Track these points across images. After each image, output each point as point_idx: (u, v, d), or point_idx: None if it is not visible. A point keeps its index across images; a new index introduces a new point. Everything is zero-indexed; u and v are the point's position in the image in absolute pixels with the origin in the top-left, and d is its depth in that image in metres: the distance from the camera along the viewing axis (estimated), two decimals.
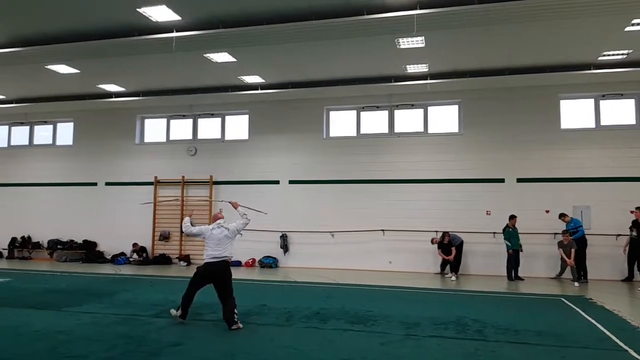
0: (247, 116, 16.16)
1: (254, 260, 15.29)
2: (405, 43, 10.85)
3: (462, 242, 13.31)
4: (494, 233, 13.51)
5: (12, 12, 9.64)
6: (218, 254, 7.15)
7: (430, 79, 13.25)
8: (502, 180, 13.91)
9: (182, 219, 7.23)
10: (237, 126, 16.43)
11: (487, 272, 13.48)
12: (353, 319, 7.56)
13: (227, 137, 16.45)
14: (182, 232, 7.11)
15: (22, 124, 18.30)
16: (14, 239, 17.32)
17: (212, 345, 6.14)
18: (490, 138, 14.06)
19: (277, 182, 15.57)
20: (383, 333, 6.73)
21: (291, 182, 15.46)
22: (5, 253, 17.26)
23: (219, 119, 16.56)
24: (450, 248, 13.03)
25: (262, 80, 14.06)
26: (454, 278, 12.74)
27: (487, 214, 13.83)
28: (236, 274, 13.44)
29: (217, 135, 16.53)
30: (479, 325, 7.23)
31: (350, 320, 7.51)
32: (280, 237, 15.14)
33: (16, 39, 10.96)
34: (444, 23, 9.45)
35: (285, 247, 15.09)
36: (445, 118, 14.76)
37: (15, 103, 16.53)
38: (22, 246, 17.26)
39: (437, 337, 6.56)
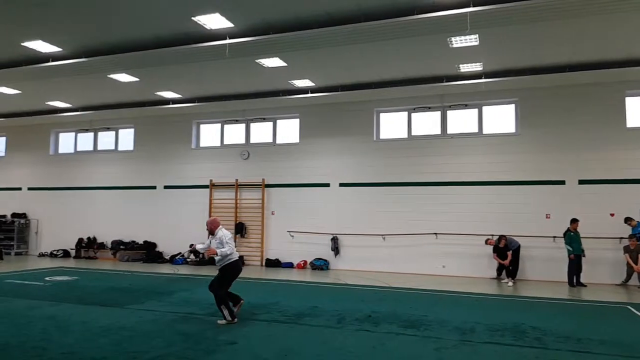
0: (297, 120, 16.35)
1: (305, 262, 15.43)
2: (458, 42, 10.61)
3: (519, 247, 12.85)
4: (554, 237, 12.95)
5: (76, 25, 10.22)
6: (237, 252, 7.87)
7: (484, 78, 12.88)
8: (562, 182, 13.31)
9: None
10: (288, 130, 16.66)
11: (546, 278, 12.93)
12: (406, 323, 7.47)
13: (278, 141, 16.70)
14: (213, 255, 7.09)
15: (87, 130, 19.37)
16: (80, 240, 18.34)
17: (265, 345, 6.25)
18: (549, 138, 13.50)
19: (327, 185, 15.63)
20: (437, 338, 6.61)
21: (342, 184, 15.48)
22: (73, 253, 18.31)
23: (270, 123, 16.85)
24: (506, 252, 12.61)
25: (312, 84, 14.17)
26: (510, 283, 12.32)
27: (546, 217, 13.28)
28: (288, 275, 13.72)
29: (269, 139, 16.82)
30: (538, 333, 6.95)
31: (402, 324, 7.43)
32: (331, 239, 15.19)
33: (81, 50, 11.62)
34: (499, 20, 9.17)
35: (336, 249, 15.12)
36: (501, 118, 14.30)
37: (81, 111, 17.52)
38: (88, 246, 18.24)
39: (493, 344, 6.37)
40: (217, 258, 7.55)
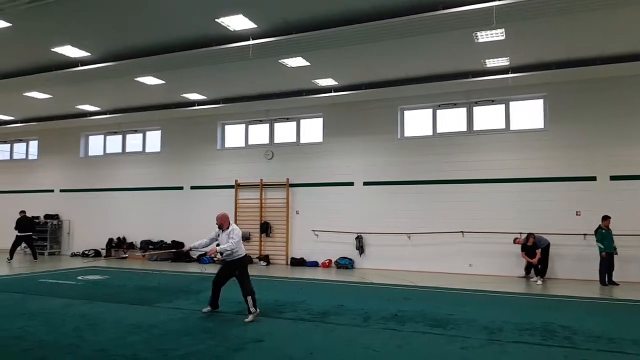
0: (321, 119, 16.36)
1: (330, 261, 15.44)
2: (484, 36, 10.45)
3: (548, 245, 12.59)
4: (585, 235, 12.63)
5: (104, 30, 10.47)
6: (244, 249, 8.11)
7: (511, 73, 12.64)
8: (593, 179, 12.98)
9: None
10: (312, 129, 16.69)
11: (577, 277, 12.63)
12: (432, 322, 7.41)
13: (302, 141, 16.75)
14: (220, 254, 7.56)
15: (115, 133, 19.79)
16: (110, 240, 18.77)
17: (292, 343, 6.29)
18: (579, 133, 13.16)
19: (351, 184, 15.61)
20: (464, 337, 6.54)
21: (366, 183, 15.44)
22: (104, 252, 18.75)
23: (294, 123, 16.91)
24: (534, 251, 12.37)
25: (336, 83, 14.17)
26: (539, 282, 12.08)
27: (576, 214, 12.97)
28: (314, 274, 13.75)
29: (293, 138, 16.89)
30: (568, 332, 6.81)
31: (429, 323, 7.37)
32: (356, 238, 15.16)
33: (108, 54, 11.89)
34: (525, 13, 8.98)
35: (360, 248, 15.09)
36: (528, 113, 14.02)
37: (110, 114, 17.93)
38: (118, 246, 18.66)
39: (522, 343, 6.26)
40: (226, 252, 7.74)
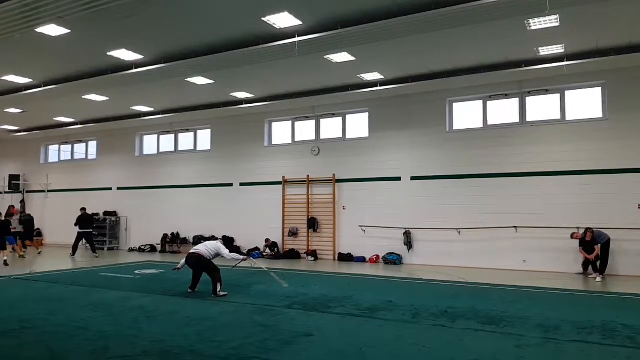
0: (367, 114, 16.26)
1: (377, 256, 15.36)
2: (537, 24, 10.04)
3: (609, 240, 11.97)
4: None
5: (156, 33, 10.84)
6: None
7: (567, 61, 12.08)
8: None
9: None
10: (358, 124, 16.63)
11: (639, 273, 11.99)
12: (484, 319, 7.23)
13: (348, 136, 16.72)
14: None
15: (168, 132, 20.48)
16: (165, 235, 19.46)
17: (341, 338, 6.31)
18: None
19: (398, 179, 15.44)
20: (518, 335, 6.34)
21: (413, 178, 15.22)
22: (159, 247, 19.48)
23: (339, 119, 16.91)
24: (593, 246, 11.80)
25: (382, 77, 14.03)
26: (598, 279, 11.52)
27: (639, 208, 12.27)
28: (361, 269, 13.72)
29: (339, 134, 16.89)
30: (631, 332, 6.46)
31: (481, 320, 7.19)
32: (404, 234, 15.00)
33: (161, 56, 12.31)
34: None
35: (409, 244, 14.91)
36: (586, 103, 13.37)
37: (162, 114, 18.56)
38: (172, 241, 19.32)
39: (580, 342, 6.00)
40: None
